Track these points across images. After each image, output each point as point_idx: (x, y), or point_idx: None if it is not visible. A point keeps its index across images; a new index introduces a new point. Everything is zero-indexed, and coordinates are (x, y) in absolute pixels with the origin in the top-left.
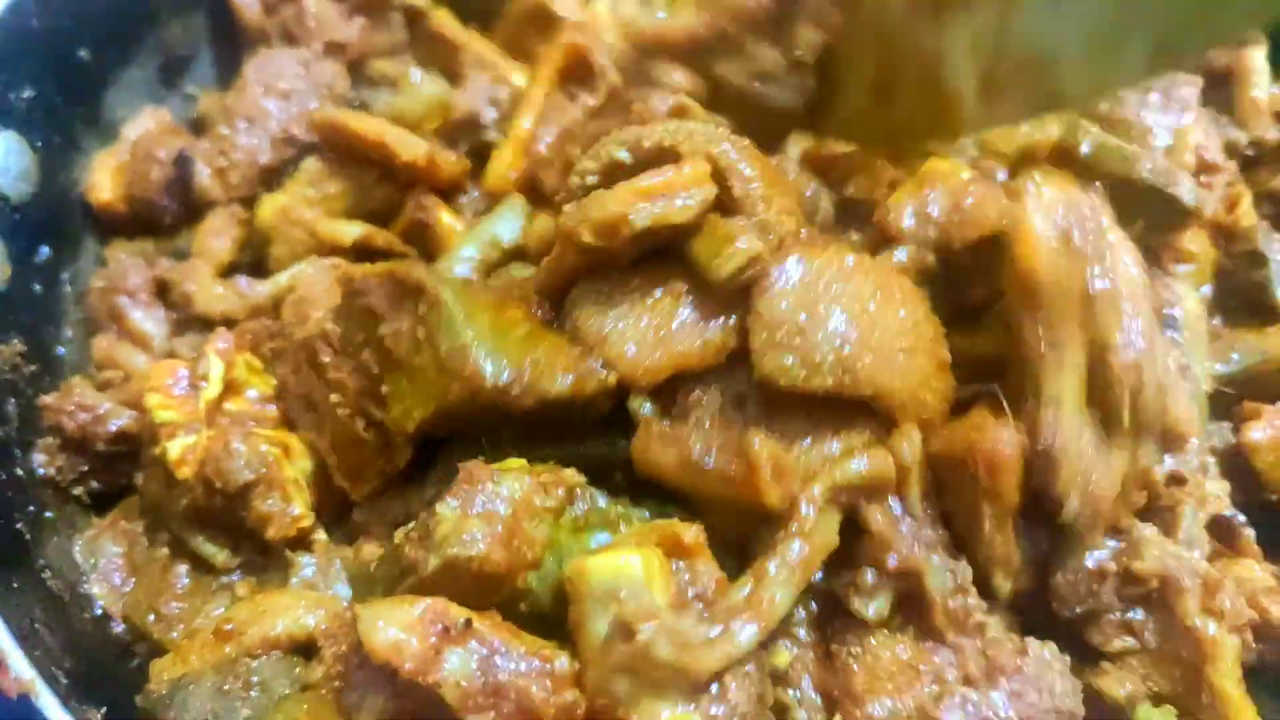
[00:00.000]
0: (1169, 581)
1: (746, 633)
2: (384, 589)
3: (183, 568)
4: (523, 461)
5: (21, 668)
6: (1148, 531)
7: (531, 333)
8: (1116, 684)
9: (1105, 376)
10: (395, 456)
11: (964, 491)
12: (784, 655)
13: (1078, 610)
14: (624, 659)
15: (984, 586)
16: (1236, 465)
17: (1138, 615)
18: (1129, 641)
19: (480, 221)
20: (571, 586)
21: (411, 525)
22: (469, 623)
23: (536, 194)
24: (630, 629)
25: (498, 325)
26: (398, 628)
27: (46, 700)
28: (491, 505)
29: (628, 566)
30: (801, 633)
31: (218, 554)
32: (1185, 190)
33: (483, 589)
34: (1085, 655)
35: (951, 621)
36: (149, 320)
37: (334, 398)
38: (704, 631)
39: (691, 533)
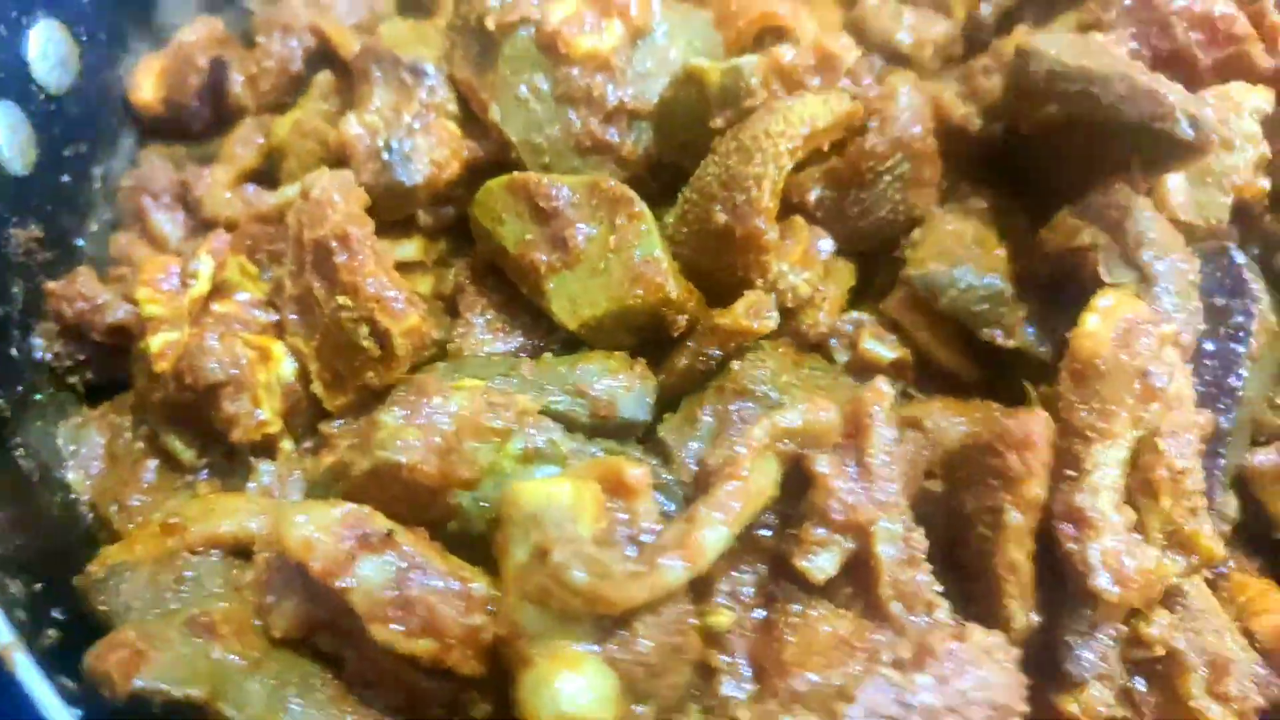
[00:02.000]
0: (1175, 657)
1: (672, 569)
2: (321, 495)
3: (153, 463)
4: (481, 382)
5: None
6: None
7: None
8: None
9: (1148, 480)
10: (390, 370)
11: (985, 491)
12: (725, 617)
13: (1087, 676)
14: (537, 584)
15: (991, 618)
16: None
17: (1140, 685)
18: (1125, 712)
19: None
20: (503, 510)
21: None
22: (390, 534)
23: None
24: (545, 551)
25: None
26: (315, 527)
27: None
28: (435, 418)
29: (557, 494)
30: (749, 593)
31: (184, 451)
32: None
33: (413, 500)
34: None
35: (898, 594)
36: (169, 222)
37: (341, 299)
38: (627, 565)
39: (635, 472)
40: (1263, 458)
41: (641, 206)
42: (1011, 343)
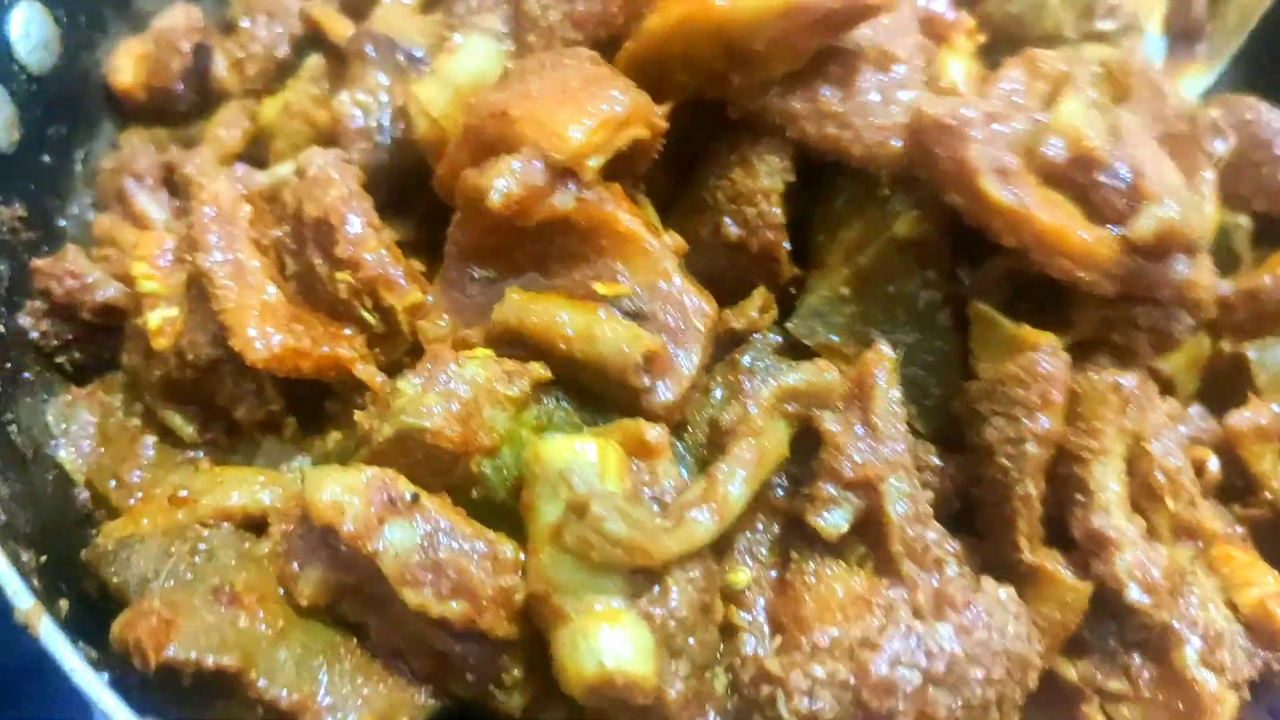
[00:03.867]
0: (1169, 631)
1: (703, 521)
2: (342, 463)
3: (151, 439)
4: (490, 352)
5: None
6: None
7: None
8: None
9: (1148, 485)
10: (396, 347)
11: (1009, 423)
12: (744, 574)
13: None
14: (576, 537)
15: (1000, 571)
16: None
17: (1135, 660)
18: (1122, 685)
19: None
20: (527, 469)
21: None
22: (416, 497)
23: None
24: (584, 506)
25: None
26: (342, 488)
27: None
28: (453, 385)
29: (583, 452)
30: (764, 551)
31: (185, 427)
32: None
33: (435, 466)
34: None
35: (909, 551)
36: (152, 204)
37: (342, 276)
38: (659, 521)
39: (655, 433)
40: (1240, 417)
41: None
42: None
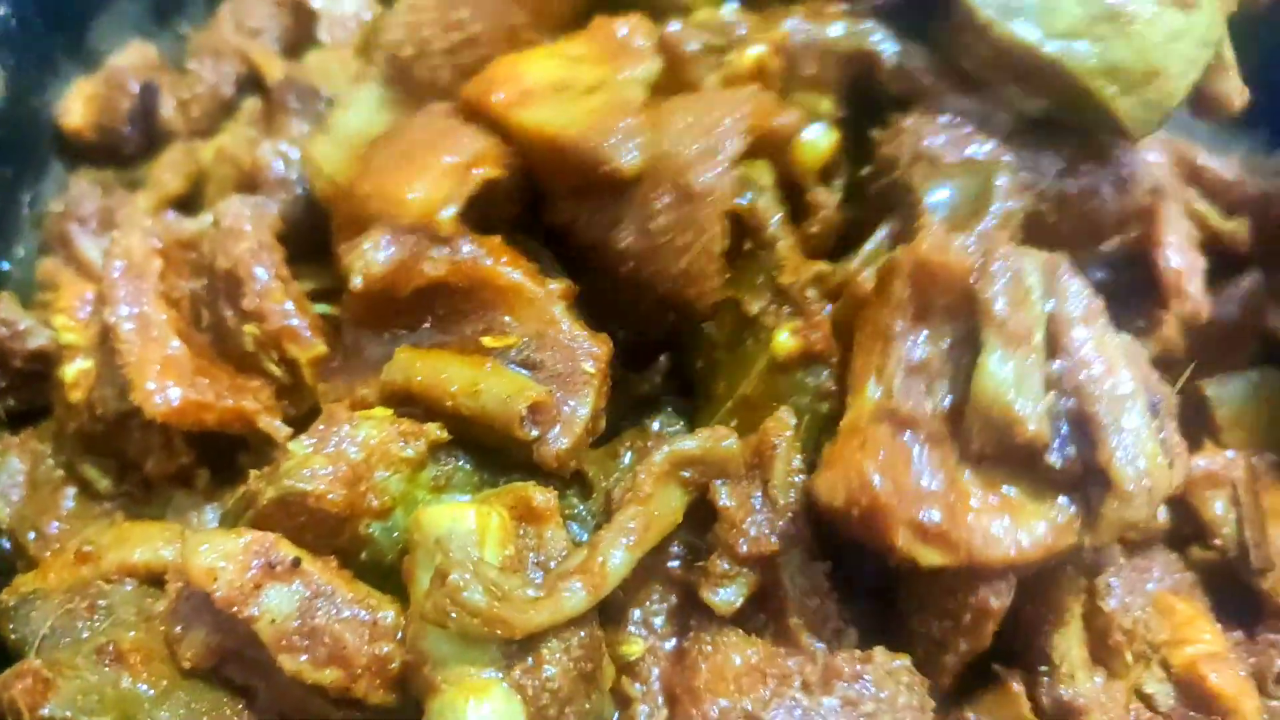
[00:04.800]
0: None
1: (575, 594)
2: (231, 524)
3: (71, 490)
4: (389, 411)
5: None
6: None
7: None
8: None
9: (1105, 644)
10: (302, 399)
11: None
12: (636, 645)
13: None
14: (435, 605)
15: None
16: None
17: None
18: None
19: None
20: (409, 535)
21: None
22: (297, 561)
23: None
24: (445, 573)
25: None
26: (219, 554)
27: None
28: (344, 446)
29: (461, 518)
30: (659, 622)
31: (101, 479)
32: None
33: (320, 529)
34: None
35: (807, 622)
36: (95, 248)
37: (248, 328)
38: (529, 591)
39: (542, 497)
40: (1194, 464)
41: None
42: None
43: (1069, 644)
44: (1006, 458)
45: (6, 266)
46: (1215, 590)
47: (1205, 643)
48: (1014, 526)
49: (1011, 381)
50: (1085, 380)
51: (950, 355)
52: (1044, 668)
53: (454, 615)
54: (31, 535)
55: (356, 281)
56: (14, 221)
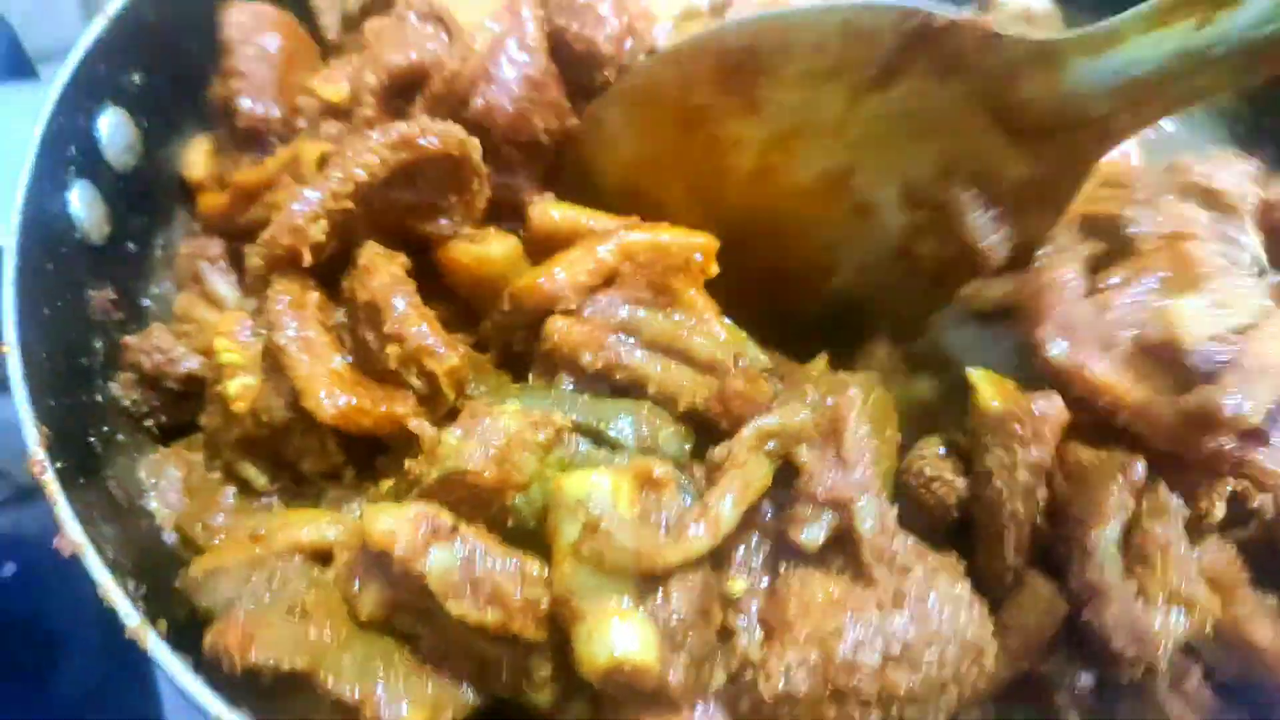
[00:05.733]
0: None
1: (699, 537)
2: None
3: (230, 489)
4: (518, 405)
5: (76, 534)
6: None
7: None
8: None
9: (1142, 554)
10: (439, 406)
11: (1006, 453)
12: (739, 583)
13: None
14: (591, 549)
15: (992, 569)
16: None
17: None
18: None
19: None
20: (551, 499)
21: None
22: (456, 526)
23: None
24: (597, 524)
25: None
26: (394, 520)
27: (93, 561)
28: (488, 435)
29: (598, 483)
30: (757, 564)
31: (259, 478)
32: None
33: (475, 502)
34: None
35: (878, 559)
36: (224, 284)
37: (390, 349)
38: (661, 536)
39: (661, 469)
40: None
41: None
42: None
43: (1105, 540)
44: None
45: (148, 303)
46: (1254, 564)
47: (1245, 603)
48: None
49: None
50: None
51: None
52: (1078, 555)
53: (606, 555)
54: (199, 528)
55: None
56: (150, 263)
